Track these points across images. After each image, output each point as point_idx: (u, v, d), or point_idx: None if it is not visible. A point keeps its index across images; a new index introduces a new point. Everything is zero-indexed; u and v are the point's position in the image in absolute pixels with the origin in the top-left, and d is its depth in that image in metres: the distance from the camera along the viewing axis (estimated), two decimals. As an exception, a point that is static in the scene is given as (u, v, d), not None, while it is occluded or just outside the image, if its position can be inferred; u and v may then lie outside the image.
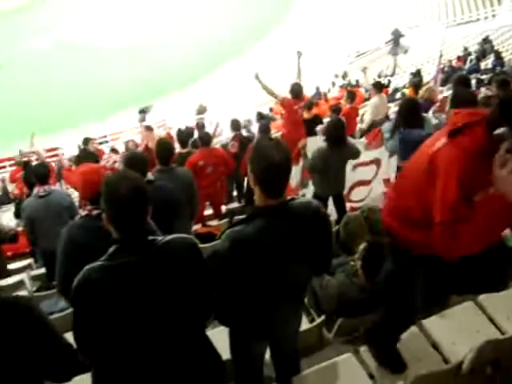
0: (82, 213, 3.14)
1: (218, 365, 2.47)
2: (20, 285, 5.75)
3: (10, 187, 12.60)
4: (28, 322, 2.00)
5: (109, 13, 36.57)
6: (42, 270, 6.18)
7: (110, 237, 2.94)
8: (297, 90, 8.27)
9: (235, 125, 8.68)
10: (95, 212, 3.03)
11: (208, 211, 7.25)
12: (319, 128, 8.54)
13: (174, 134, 10.08)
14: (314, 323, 3.83)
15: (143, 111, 11.89)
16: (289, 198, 2.41)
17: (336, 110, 10.04)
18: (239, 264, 2.29)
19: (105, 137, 18.55)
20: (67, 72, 29.92)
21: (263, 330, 2.63)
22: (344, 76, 22.56)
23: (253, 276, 2.33)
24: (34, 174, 5.58)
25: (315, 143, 6.17)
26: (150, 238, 2.16)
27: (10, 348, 1.95)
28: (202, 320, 2.43)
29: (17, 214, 7.57)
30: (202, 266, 2.27)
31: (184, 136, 8.07)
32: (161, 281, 2.11)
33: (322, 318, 3.82)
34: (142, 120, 10.93)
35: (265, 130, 7.87)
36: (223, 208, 7.60)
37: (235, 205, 8.19)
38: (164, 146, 4.94)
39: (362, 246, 3.99)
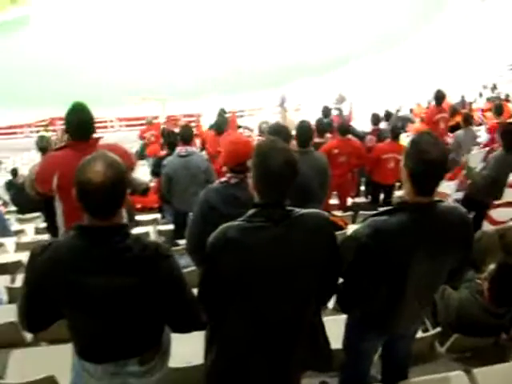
0: (222, 179, 3.24)
1: (326, 351, 2.46)
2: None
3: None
4: (166, 268, 2.09)
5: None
6: (168, 227, 6.47)
7: (243, 206, 3.05)
8: (439, 97, 7.99)
9: (375, 119, 8.57)
10: (233, 180, 3.13)
11: (333, 201, 7.21)
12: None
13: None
14: (429, 333, 3.71)
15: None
16: (437, 199, 2.34)
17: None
18: (377, 253, 2.26)
19: (242, 111, 18.92)
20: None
21: (386, 324, 2.58)
22: (493, 88, 21.33)
23: (389, 267, 2.30)
24: (181, 134, 5.83)
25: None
26: (289, 208, 2.17)
27: (145, 291, 2.05)
28: (322, 300, 2.43)
29: (153, 172, 7.96)
30: (334, 244, 2.26)
31: (323, 125, 8.07)
32: (291, 250, 2.12)
33: (438, 329, 3.69)
34: (282, 103, 11.08)
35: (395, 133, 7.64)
36: (349, 200, 7.53)
37: (362, 200, 8.08)
38: (305, 128, 4.95)
39: (492, 266, 3.79)
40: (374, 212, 2.43)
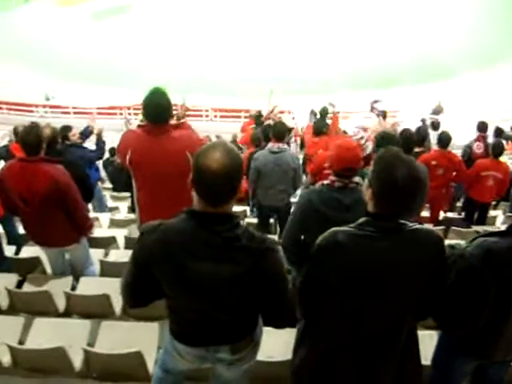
0: (325, 181, 3.23)
1: (417, 367, 2.40)
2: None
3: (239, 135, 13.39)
4: (271, 261, 2.11)
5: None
6: (255, 220, 6.52)
7: (345, 210, 3.03)
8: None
9: (482, 126, 8.32)
10: (337, 184, 3.14)
11: (425, 213, 7.02)
12: None
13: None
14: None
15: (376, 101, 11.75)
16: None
17: None
18: (486, 275, 2.18)
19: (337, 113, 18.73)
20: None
21: (484, 349, 2.48)
22: None
23: (497, 291, 2.21)
24: (273, 129, 5.85)
25: None
26: (401, 221, 2.13)
27: (248, 281, 2.08)
28: (421, 316, 2.36)
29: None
30: (443, 264, 2.19)
31: (421, 134, 7.87)
32: (400, 263, 2.09)
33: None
34: (377, 110, 10.82)
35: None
36: (441, 214, 7.31)
37: (454, 215, 7.83)
38: (407, 136, 4.86)
39: None
40: (485, 232, 2.35)
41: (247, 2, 35.69)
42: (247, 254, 2.04)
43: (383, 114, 10.25)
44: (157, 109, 3.46)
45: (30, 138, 4.00)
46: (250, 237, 2.07)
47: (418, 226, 2.17)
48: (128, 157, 3.48)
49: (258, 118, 10.67)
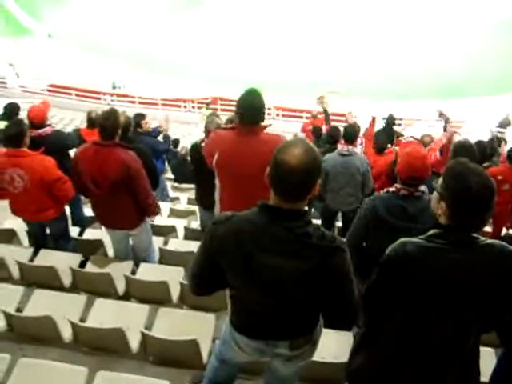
0: (391, 188, 3.21)
1: (477, 381, 2.35)
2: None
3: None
4: (339, 260, 2.11)
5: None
6: (316, 222, 6.48)
7: (409, 219, 2.99)
8: None
9: None
10: (402, 192, 3.12)
11: (487, 228, 6.84)
12: None
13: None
14: None
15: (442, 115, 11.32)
16: None
17: None
18: None
19: (400, 119, 18.43)
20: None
21: None
22: None
23: None
24: (344, 132, 5.83)
25: None
26: (474, 235, 2.10)
27: (315, 278, 2.08)
28: (486, 330, 2.32)
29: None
30: None
31: (492, 148, 7.66)
32: (470, 276, 2.06)
33: None
34: (446, 120, 10.49)
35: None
36: (504, 231, 7.11)
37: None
38: (467, 148, 4.74)
39: None
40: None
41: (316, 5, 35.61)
42: (317, 251, 2.04)
43: (449, 121, 9.96)
44: (251, 110, 3.43)
45: (107, 123, 4.13)
46: (321, 235, 2.07)
47: (490, 240, 2.13)
48: (215, 158, 3.49)
49: (316, 131, 10.25)
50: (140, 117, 6.76)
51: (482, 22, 33.73)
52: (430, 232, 2.14)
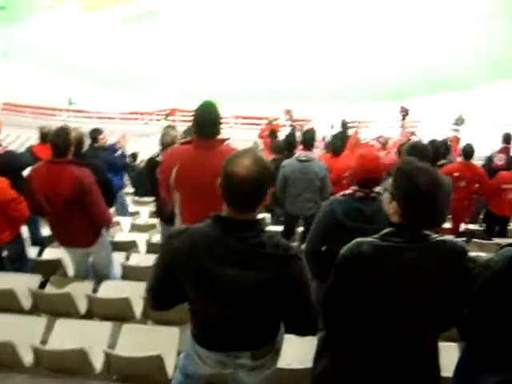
0: (346, 191, 3.25)
1: (438, 379, 2.38)
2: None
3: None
4: (295, 268, 2.11)
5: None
6: (277, 228, 6.49)
7: (366, 220, 3.03)
8: None
9: (506, 137, 8.29)
10: (358, 194, 3.16)
11: (446, 225, 6.96)
12: None
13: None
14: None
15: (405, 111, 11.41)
16: None
17: None
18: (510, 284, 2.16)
19: (354, 122, 18.65)
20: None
21: (510, 360, 2.45)
22: None
23: None
24: (302, 138, 5.86)
25: None
26: (426, 232, 2.14)
27: (272, 287, 2.08)
28: (444, 328, 2.35)
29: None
30: (467, 276, 2.18)
31: (446, 147, 7.84)
32: (425, 274, 2.10)
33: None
34: (405, 112, 10.61)
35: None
36: (462, 226, 7.26)
37: (476, 227, 7.77)
38: (435, 146, 4.85)
39: None
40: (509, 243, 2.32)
41: (268, 14, 35.87)
42: (272, 260, 2.05)
43: (406, 114, 10.10)
44: (208, 123, 3.44)
45: (59, 140, 4.09)
46: (275, 244, 2.08)
47: (442, 237, 2.18)
48: (174, 172, 3.47)
49: (272, 134, 10.31)
50: (96, 132, 6.69)
51: (431, 28, 34.51)
52: (385, 231, 2.17)
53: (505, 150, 8.19)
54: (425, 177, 2.06)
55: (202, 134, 3.44)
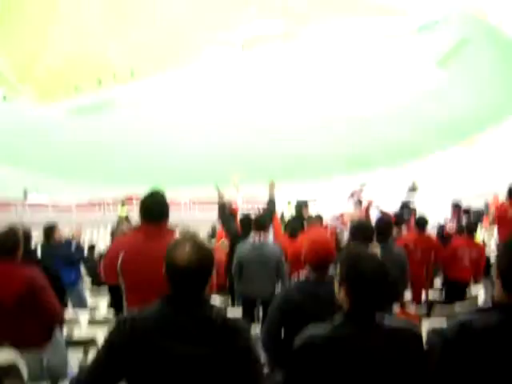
0: (302, 276, 3.29)
1: None
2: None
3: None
4: (244, 342, 2.15)
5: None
6: (237, 312, 6.39)
7: (323, 303, 3.03)
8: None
9: (455, 205, 8.59)
10: (313, 277, 3.22)
11: (406, 295, 6.99)
12: None
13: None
14: None
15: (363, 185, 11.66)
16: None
17: None
18: (461, 349, 2.16)
19: (314, 200, 18.92)
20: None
21: None
22: None
23: (475, 367, 2.17)
24: (254, 221, 5.88)
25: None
26: (379, 318, 2.18)
27: (223, 361, 2.08)
28: None
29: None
30: (423, 360, 2.20)
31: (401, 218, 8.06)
32: (378, 361, 2.10)
33: None
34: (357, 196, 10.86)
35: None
36: (423, 295, 7.30)
37: (435, 295, 7.83)
38: (386, 222, 4.94)
39: None
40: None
41: (218, 94, 36.95)
42: (222, 335, 2.08)
43: (360, 201, 10.34)
44: (154, 210, 3.45)
45: (7, 242, 4.01)
46: (224, 319, 2.14)
47: (395, 323, 2.21)
48: (119, 262, 3.42)
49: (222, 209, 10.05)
50: (50, 229, 6.60)
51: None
52: (336, 321, 2.19)
53: (455, 217, 8.46)
54: (370, 263, 2.13)
55: (148, 221, 3.44)
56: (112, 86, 38.63)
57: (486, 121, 33.00)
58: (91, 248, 10.45)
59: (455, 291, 7.53)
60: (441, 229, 8.62)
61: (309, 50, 41.52)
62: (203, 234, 14.97)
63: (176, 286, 2.09)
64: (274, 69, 39.85)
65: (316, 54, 41.11)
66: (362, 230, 3.94)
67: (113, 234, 4.79)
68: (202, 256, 2.08)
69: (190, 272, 2.04)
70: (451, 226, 8.33)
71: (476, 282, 7.59)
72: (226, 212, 7.28)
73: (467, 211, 10.76)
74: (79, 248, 7.87)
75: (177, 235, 3.56)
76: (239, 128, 32.43)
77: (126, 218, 6.30)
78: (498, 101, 35.87)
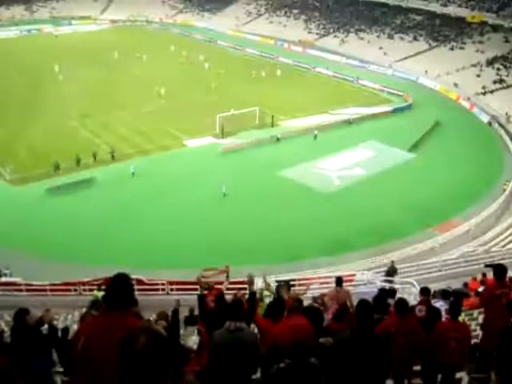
0: (281, 364, 3.23)
1: None
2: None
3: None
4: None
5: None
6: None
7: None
8: (502, 272, 7.81)
9: (424, 290, 8.63)
10: (291, 366, 3.22)
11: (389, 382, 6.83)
12: None
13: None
14: None
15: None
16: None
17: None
18: None
19: (294, 280, 18.78)
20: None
21: None
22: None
23: None
24: (231, 308, 5.75)
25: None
26: None
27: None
28: None
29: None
30: None
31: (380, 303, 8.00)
32: None
33: None
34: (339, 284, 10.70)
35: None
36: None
37: (417, 381, 7.65)
38: (366, 307, 4.88)
39: None
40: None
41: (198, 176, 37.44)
42: None
43: (339, 282, 10.25)
44: (117, 295, 3.42)
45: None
46: None
47: None
48: (80, 346, 3.36)
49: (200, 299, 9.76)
50: (21, 312, 6.42)
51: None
52: None
53: (424, 302, 8.54)
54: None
55: (111, 304, 3.42)
56: (91, 165, 38.91)
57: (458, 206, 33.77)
58: (65, 331, 10.10)
59: (438, 374, 7.39)
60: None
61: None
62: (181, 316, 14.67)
63: (131, 376, 2.06)
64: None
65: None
66: (310, 315, 3.94)
67: (82, 319, 4.68)
68: (156, 346, 2.06)
69: (144, 362, 2.01)
70: (421, 309, 8.33)
71: (462, 364, 7.47)
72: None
73: (448, 292, 10.77)
74: (52, 331, 7.63)
75: (149, 320, 3.51)
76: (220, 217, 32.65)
77: (98, 303, 6.16)
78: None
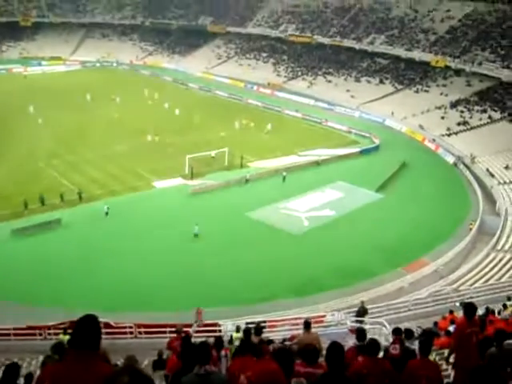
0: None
1: None
2: None
3: (166, 353, 12.75)
4: None
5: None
6: None
7: None
8: (471, 310, 7.89)
9: (396, 330, 8.70)
10: None
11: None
12: None
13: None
14: None
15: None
16: None
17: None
18: None
19: (264, 322, 18.64)
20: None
21: None
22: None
23: None
24: (197, 352, 5.62)
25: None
26: None
27: None
28: None
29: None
30: None
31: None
32: None
33: None
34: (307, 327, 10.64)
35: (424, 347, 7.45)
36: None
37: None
38: (337, 349, 4.85)
39: None
40: None
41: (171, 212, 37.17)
42: None
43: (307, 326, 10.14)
44: (84, 337, 3.33)
45: None
46: None
47: None
48: None
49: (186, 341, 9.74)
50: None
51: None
52: None
53: (397, 341, 8.60)
54: None
55: (76, 346, 3.32)
56: (59, 206, 38.38)
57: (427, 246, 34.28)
58: (28, 378, 9.77)
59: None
60: (384, 351, 8.59)
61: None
62: (149, 359, 14.36)
63: None
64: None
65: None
66: (280, 356, 3.91)
67: (43, 364, 4.50)
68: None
69: None
70: (395, 347, 8.32)
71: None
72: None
73: (411, 332, 10.77)
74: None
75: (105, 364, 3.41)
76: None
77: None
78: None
